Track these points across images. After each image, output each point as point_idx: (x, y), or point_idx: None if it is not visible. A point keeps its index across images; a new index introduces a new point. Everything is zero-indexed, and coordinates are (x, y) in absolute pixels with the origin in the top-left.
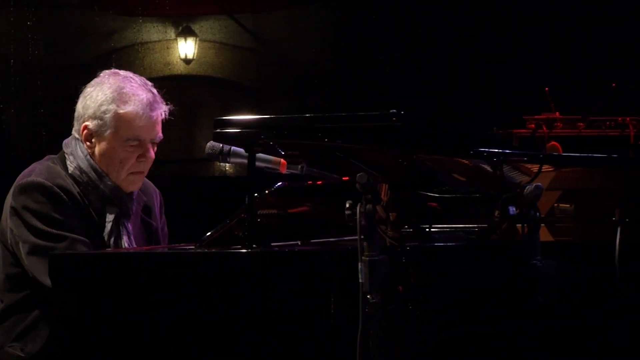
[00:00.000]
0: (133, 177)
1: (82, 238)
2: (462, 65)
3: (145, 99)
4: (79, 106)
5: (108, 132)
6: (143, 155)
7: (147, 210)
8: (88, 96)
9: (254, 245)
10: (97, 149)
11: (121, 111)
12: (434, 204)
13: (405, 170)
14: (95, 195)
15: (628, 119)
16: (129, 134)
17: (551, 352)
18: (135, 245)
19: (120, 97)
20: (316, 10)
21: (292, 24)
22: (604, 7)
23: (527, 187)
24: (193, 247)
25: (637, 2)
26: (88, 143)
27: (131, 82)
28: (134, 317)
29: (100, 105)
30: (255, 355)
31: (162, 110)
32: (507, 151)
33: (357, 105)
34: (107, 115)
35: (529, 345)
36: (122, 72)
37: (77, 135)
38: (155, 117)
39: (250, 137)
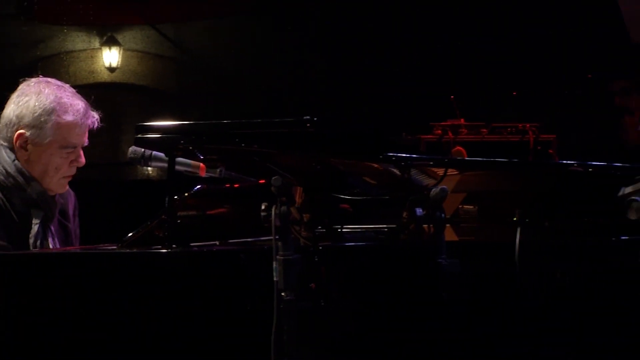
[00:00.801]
0: (64, 181)
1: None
2: (373, 74)
3: (81, 108)
4: (11, 114)
5: (47, 140)
6: (76, 160)
7: (63, 212)
8: (23, 105)
9: (174, 246)
10: (32, 156)
11: (62, 121)
12: (346, 205)
13: (319, 173)
14: (19, 198)
15: (528, 125)
16: (68, 142)
17: (454, 345)
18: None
19: (60, 107)
20: (235, 21)
21: (212, 34)
22: (508, 18)
23: (433, 190)
24: (115, 247)
25: (537, 13)
26: (23, 150)
27: (66, 91)
28: (58, 316)
29: (40, 115)
30: (175, 352)
31: (95, 117)
32: (414, 156)
33: (273, 112)
34: (48, 125)
35: (434, 338)
36: (52, 81)
37: (2, 142)
38: (90, 124)
39: (170, 142)
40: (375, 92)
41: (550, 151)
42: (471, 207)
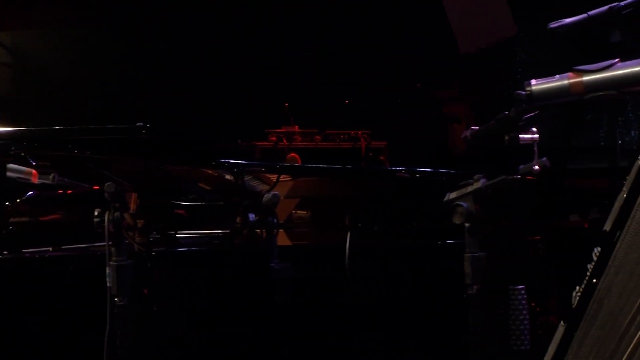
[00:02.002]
0: None
1: None
2: (209, 81)
3: None
4: None
5: None
6: None
7: None
8: None
9: (5, 252)
10: None
11: None
12: (181, 211)
13: (153, 179)
14: None
15: (360, 132)
16: None
17: (288, 345)
18: None
19: None
20: (71, 30)
21: (48, 41)
22: (340, 27)
23: (265, 196)
24: None
25: (368, 23)
26: None
27: None
28: None
29: None
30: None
31: None
32: (247, 162)
33: (108, 119)
34: None
35: (268, 339)
36: None
37: None
38: None
39: (0, 148)
40: (211, 99)
41: (381, 157)
42: (304, 212)
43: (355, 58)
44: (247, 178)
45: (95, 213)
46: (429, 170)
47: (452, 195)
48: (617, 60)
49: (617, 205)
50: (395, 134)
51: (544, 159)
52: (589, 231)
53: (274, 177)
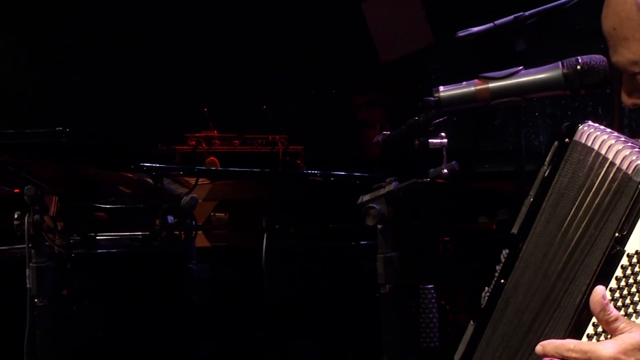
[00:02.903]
0: None
1: None
2: (131, 87)
3: None
4: None
5: None
6: None
7: None
8: None
9: None
10: None
11: None
12: (102, 214)
13: (74, 183)
14: None
15: (277, 137)
16: None
17: (205, 343)
18: None
19: None
20: None
21: None
22: (256, 38)
23: (184, 198)
24: None
25: (281, 31)
26: None
27: None
28: None
29: None
30: None
31: None
32: (165, 166)
33: (29, 123)
34: None
35: (187, 338)
36: None
37: None
38: None
39: None
40: (132, 104)
41: (298, 162)
42: (222, 214)
43: (274, 65)
44: (166, 181)
45: (15, 216)
46: (343, 173)
47: (366, 198)
48: (521, 67)
49: (524, 209)
50: (312, 138)
51: (454, 162)
52: (496, 232)
53: (192, 181)
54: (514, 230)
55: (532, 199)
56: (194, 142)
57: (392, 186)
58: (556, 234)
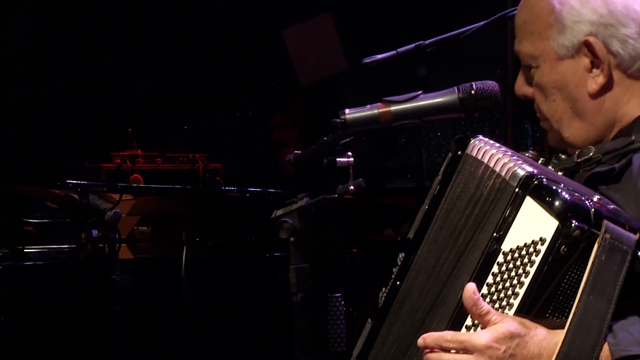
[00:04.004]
0: None
1: None
2: (60, 109)
3: None
4: None
5: None
6: None
7: None
8: None
9: None
10: None
11: None
12: (30, 227)
13: (2, 198)
14: None
15: (197, 155)
16: None
17: (129, 350)
18: None
19: None
20: None
21: None
22: (178, 58)
23: (108, 213)
24: None
25: (206, 55)
26: None
27: None
28: None
29: None
30: None
31: None
32: (90, 183)
33: None
34: None
35: (111, 345)
36: None
37: None
38: None
39: None
40: (60, 123)
41: (217, 178)
42: (145, 228)
43: (195, 87)
44: (92, 197)
45: None
46: (258, 190)
47: (279, 212)
48: (420, 92)
49: (419, 215)
50: (231, 157)
51: (360, 179)
52: (401, 243)
53: (116, 197)
54: (410, 235)
55: (427, 207)
56: (118, 160)
57: (303, 202)
58: (448, 239)
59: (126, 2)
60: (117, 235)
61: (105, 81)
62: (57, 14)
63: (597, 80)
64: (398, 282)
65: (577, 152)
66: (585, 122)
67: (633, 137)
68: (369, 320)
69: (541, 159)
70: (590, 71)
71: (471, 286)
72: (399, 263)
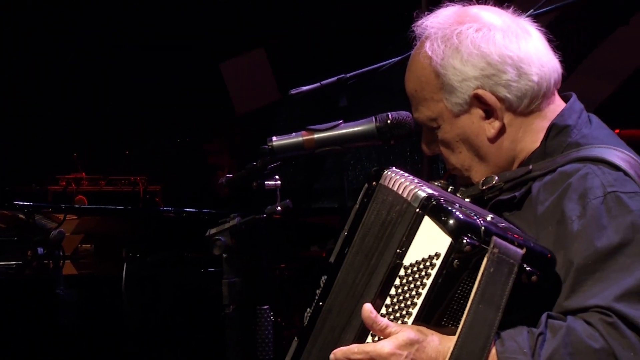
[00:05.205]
0: None
1: None
2: (9, 134)
3: None
4: None
5: None
6: None
7: None
8: None
9: None
10: None
11: None
12: None
13: None
14: None
15: (138, 178)
16: None
17: None
18: None
19: None
20: None
21: None
22: (123, 90)
23: (52, 232)
24: None
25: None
26: None
27: None
28: None
29: None
30: None
31: None
32: (35, 204)
33: None
34: None
35: (54, 356)
36: None
37: None
38: None
39: None
40: (8, 148)
41: (157, 199)
42: (88, 245)
43: (136, 114)
44: (37, 217)
45: None
46: (194, 210)
47: (213, 231)
48: (341, 121)
49: (339, 241)
50: (170, 179)
51: (287, 200)
52: (326, 259)
53: (61, 217)
54: (331, 259)
55: (345, 233)
56: (64, 183)
57: (235, 221)
58: (363, 261)
59: (72, 30)
60: (61, 253)
61: (52, 108)
62: None
63: (493, 125)
64: (321, 303)
65: (482, 181)
66: (490, 164)
67: (530, 167)
68: (295, 338)
69: (450, 187)
70: (486, 119)
71: (367, 307)
72: (322, 285)
